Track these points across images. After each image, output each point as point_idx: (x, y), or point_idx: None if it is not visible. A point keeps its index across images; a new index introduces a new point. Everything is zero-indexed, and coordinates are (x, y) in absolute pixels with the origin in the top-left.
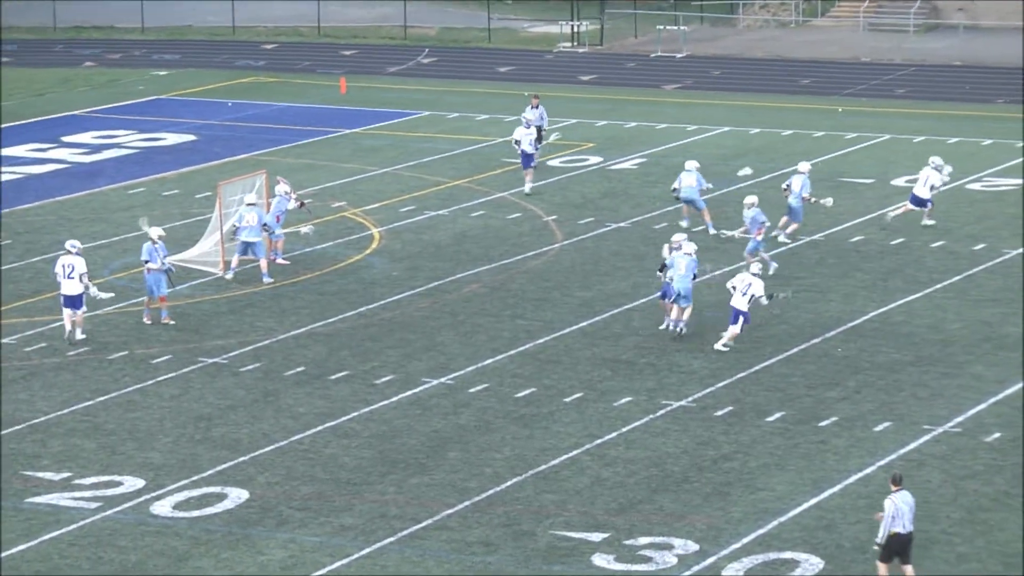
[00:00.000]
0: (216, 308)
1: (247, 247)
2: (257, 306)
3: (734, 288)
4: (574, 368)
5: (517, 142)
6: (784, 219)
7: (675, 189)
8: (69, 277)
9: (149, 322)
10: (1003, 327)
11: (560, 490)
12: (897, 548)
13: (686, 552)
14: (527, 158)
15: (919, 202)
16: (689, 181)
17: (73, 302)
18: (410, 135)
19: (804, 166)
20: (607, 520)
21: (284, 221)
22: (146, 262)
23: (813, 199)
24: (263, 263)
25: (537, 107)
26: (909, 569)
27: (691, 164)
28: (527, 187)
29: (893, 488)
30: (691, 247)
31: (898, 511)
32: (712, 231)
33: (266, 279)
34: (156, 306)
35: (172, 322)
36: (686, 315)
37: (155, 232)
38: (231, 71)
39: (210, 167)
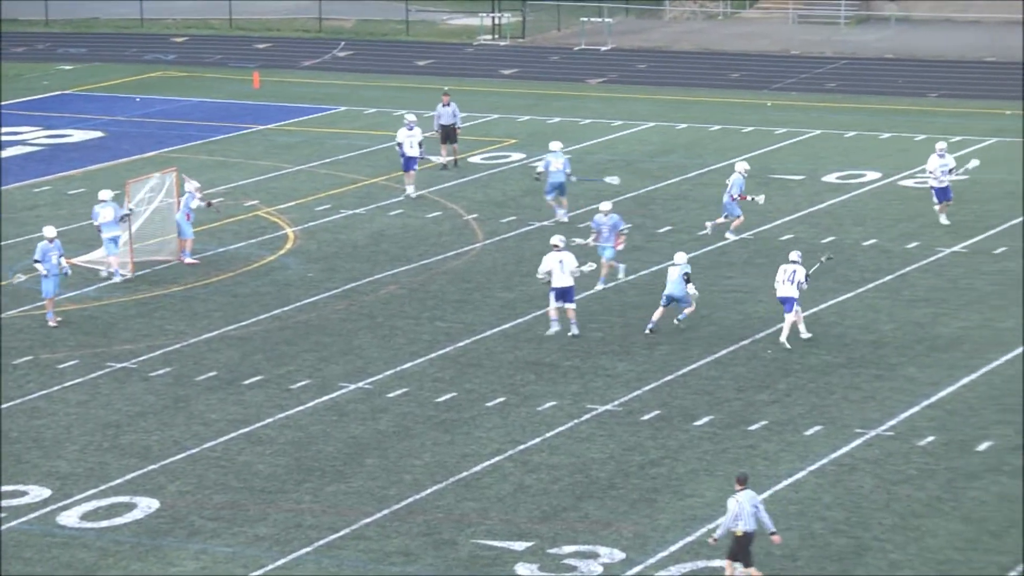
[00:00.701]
0: (124, 311)
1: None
2: (167, 308)
3: (779, 283)
4: (496, 372)
5: (399, 144)
6: (736, 220)
7: (539, 173)
8: None
9: (54, 325)
10: (936, 328)
11: (482, 497)
12: (736, 548)
13: (612, 561)
14: (409, 161)
15: (943, 194)
16: (557, 164)
17: None
18: (326, 131)
19: (741, 166)
20: (531, 528)
21: (194, 220)
22: (37, 261)
23: (748, 197)
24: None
25: (448, 104)
26: (754, 571)
27: (555, 145)
28: (410, 190)
29: (737, 487)
30: (682, 257)
31: (741, 511)
32: (564, 219)
33: (117, 277)
34: (46, 308)
35: (56, 324)
36: (687, 312)
37: (49, 231)
38: (140, 65)
39: (118, 165)
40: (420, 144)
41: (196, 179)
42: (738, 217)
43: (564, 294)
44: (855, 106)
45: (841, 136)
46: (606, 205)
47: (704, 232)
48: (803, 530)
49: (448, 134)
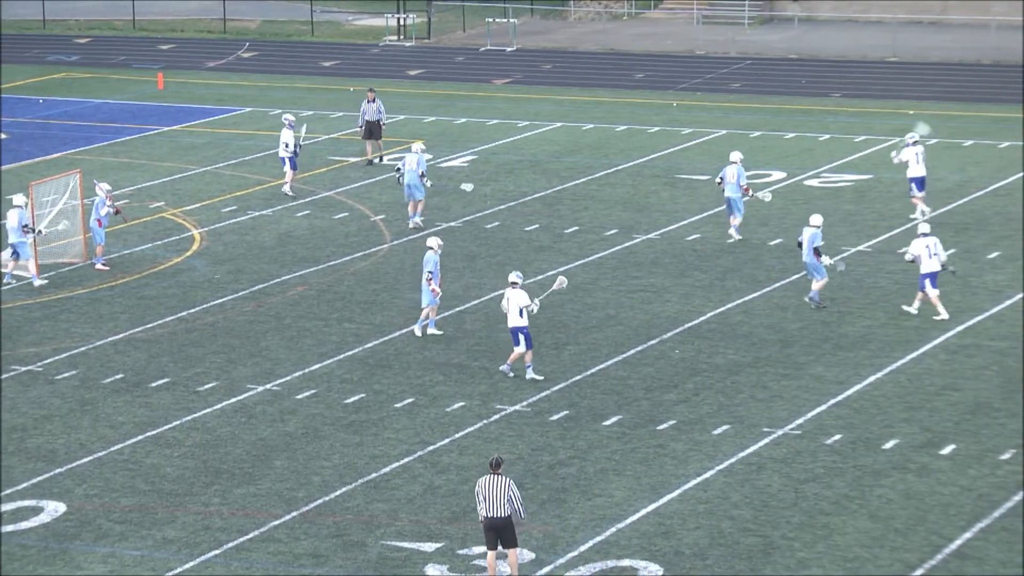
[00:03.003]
0: (28, 313)
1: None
2: (72, 311)
3: (917, 256)
4: (405, 373)
5: (287, 144)
6: (734, 218)
7: (398, 170)
8: None
9: None
10: (842, 327)
11: (391, 499)
12: (490, 531)
13: (522, 561)
14: (292, 160)
15: (921, 183)
16: (411, 164)
17: None
18: (231, 132)
19: (735, 155)
20: (440, 529)
21: (106, 225)
22: None
23: (751, 192)
24: (17, 264)
25: (374, 101)
26: (512, 554)
27: (417, 146)
28: (287, 188)
29: (490, 471)
30: (818, 219)
31: (482, 493)
32: (417, 221)
33: (8, 279)
34: None
35: None
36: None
37: None
38: (42, 66)
39: (21, 167)
40: (299, 144)
41: (102, 181)
42: (739, 215)
43: (515, 335)
44: (760, 106)
45: (746, 136)
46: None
47: (731, 240)
48: (712, 529)
49: (372, 130)
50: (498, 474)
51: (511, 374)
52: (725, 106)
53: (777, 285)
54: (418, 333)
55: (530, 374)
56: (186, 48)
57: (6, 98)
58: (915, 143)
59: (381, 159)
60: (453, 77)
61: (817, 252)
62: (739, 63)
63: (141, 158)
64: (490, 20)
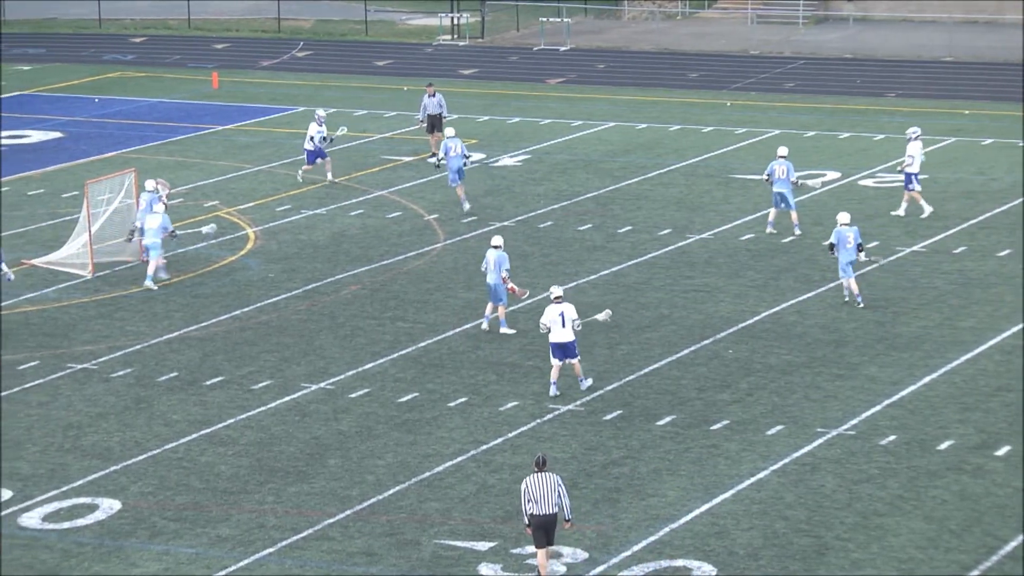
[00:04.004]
0: (84, 312)
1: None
2: (127, 309)
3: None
4: (458, 372)
5: (311, 138)
6: (773, 211)
7: (441, 159)
8: None
9: None
10: (896, 327)
11: (445, 498)
12: (539, 530)
13: (575, 560)
14: (312, 153)
15: (915, 178)
16: (456, 149)
17: None
18: (285, 131)
19: (783, 150)
20: (493, 528)
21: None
22: None
23: (800, 182)
24: (152, 264)
25: (434, 95)
26: (541, 554)
27: (450, 131)
28: (300, 177)
29: (535, 470)
30: (846, 217)
31: (529, 492)
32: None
33: (148, 282)
34: None
35: None
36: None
37: None
38: (98, 65)
39: (77, 165)
40: (325, 138)
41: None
42: (794, 210)
43: (566, 349)
44: (814, 106)
45: (800, 136)
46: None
47: (794, 236)
48: (765, 529)
49: (434, 124)
50: (544, 472)
51: (555, 392)
52: (779, 106)
53: (831, 285)
54: (485, 327)
55: (584, 384)
56: (240, 47)
57: (62, 97)
58: (918, 137)
59: (437, 163)
60: (507, 76)
61: (859, 247)
62: (793, 63)
63: (195, 157)
64: (544, 19)
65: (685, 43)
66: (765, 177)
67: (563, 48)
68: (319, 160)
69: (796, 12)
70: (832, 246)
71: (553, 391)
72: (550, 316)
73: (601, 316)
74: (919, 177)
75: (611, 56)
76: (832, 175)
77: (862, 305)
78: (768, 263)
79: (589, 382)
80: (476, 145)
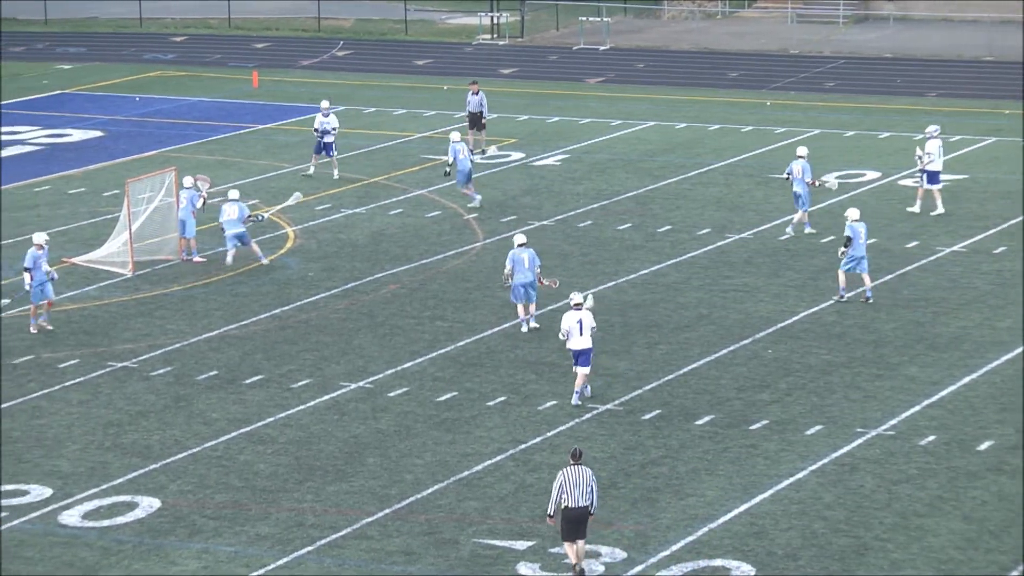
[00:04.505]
0: (124, 310)
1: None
2: (167, 308)
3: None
4: (496, 371)
5: (316, 130)
6: (799, 214)
7: (450, 165)
8: None
9: (35, 331)
10: (937, 327)
11: (483, 497)
12: (571, 522)
13: (614, 560)
14: (324, 146)
15: (936, 177)
16: (465, 152)
17: None
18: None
19: (802, 150)
20: (532, 527)
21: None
22: (27, 269)
23: (817, 183)
24: (254, 247)
25: (477, 93)
26: (580, 543)
27: (456, 135)
28: (311, 170)
29: (571, 462)
30: (856, 213)
31: (566, 484)
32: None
33: (263, 260)
34: (43, 311)
35: (51, 328)
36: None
37: (40, 238)
38: (139, 65)
39: (117, 164)
40: (333, 130)
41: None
42: (805, 210)
43: (579, 356)
44: (854, 105)
45: (840, 135)
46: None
47: (785, 237)
48: (804, 529)
49: (474, 121)
50: (579, 465)
51: (580, 401)
52: (819, 105)
53: (871, 285)
54: (526, 329)
55: (587, 392)
56: (281, 47)
57: (102, 96)
58: (938, 135)
59: (483, 152)
60: (546, 76)
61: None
62: (833, 62)
63: (235, 156)
64: (583, 19)
65: (725, 42)
66: (785, 176)
67: (603, 47)
68: (322, 153)
69: (836, 11)
70: (848, 240)
71: (575, 400)
72: (569, 323)
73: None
74: (940, 175)
75: (651, 55)
76: (872, 175)
77: (871, 300)
78: (807, 263)
79: (578, 401)
80: (515, 144)
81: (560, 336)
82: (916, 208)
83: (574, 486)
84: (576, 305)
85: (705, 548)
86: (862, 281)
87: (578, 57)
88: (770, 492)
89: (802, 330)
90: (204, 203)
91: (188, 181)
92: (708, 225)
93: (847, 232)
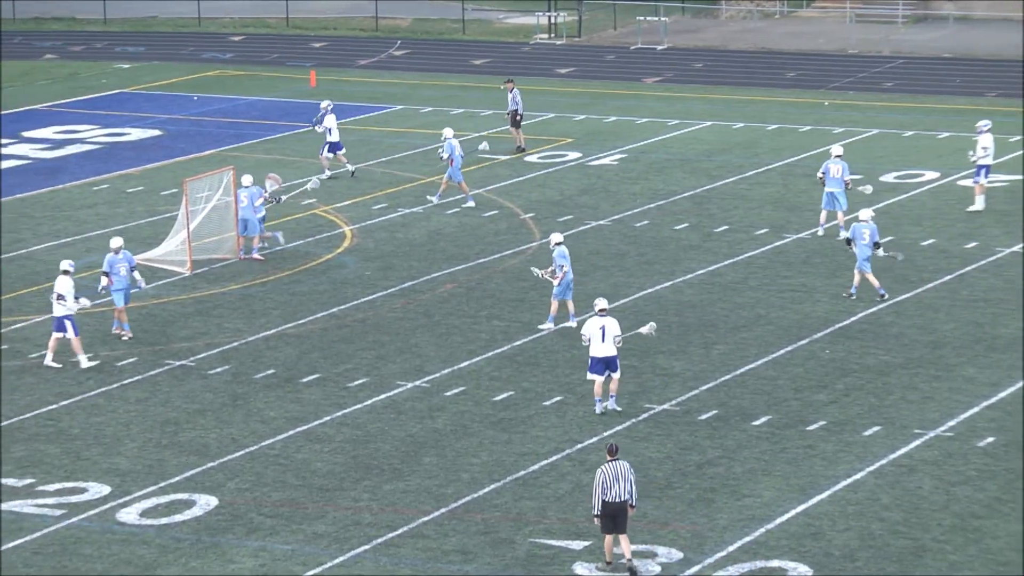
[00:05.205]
0: (182, 309)
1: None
2: (225, 307)
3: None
4: (553, 371)
5: (329, 130)
6: (824, 213)
7: (445, 160)
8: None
9: (127, 338)
10: (995, 328)
11: (540, 496)
12: (610, 518)
13: (670, 560)
14: (334, 145)
15: (988, 170)
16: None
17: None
18: (382, 130)
19: (838, 149)
20: (588, 527)
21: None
22: (106, 273)
23: (851, 185)
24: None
25: (512, 91)
26: (624, 539)
27: (448, 131)
28: (349, 167)
29: (608, 458)
30: (868, 214)
31: (607, 480)
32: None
33: (255, 254)
34: (116, 316)
35: (129, 337)
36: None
37: (115, 242)
38: (197, 64)
39: (176, 163)
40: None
41: (252, 177)
42: (844, 210)
43: (606, 363)
44: (912, 105)
45: (899, 135)
46: (557, 236)
47: (820, 235)
48: (862, 530)
49: (512, 119)
50: (616, 460)
51: (601, 409)
52: (877, 105)
53: (929, 286)
54: (574, 324)
55: (612, 404)
56: (338, 46)
57: (161, 95)
58: (989, 130)
59: (521, 149)
60: (603, 75)
61: (876, 245)
62: (892, 62)
63: (293, 155)
64: (641, 18)
65: (783, 42)
66: (819, 176)
67: (660, 47)
68: (334, 153)
69: (895, 11)
70: (849, 241)
71: (599, 408)
72: (591, 329)
73: (644, 329)
74: (989, 170)
75: (708, 55)
76: (930, 175)
77: (884, 296)
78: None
79: (618, 407)
80: (572, 144)
81: (583, 342)
82: (979, 206)
83: (614, 481)
84: (601, 311)
85: (762, 549)
86: (869, 281)
87: (636, 57)
88: (827, 493)
89: (860, 331)
90: (265, 202)
91: (247, 180)
92: (765, 225)
93: (848, 232)
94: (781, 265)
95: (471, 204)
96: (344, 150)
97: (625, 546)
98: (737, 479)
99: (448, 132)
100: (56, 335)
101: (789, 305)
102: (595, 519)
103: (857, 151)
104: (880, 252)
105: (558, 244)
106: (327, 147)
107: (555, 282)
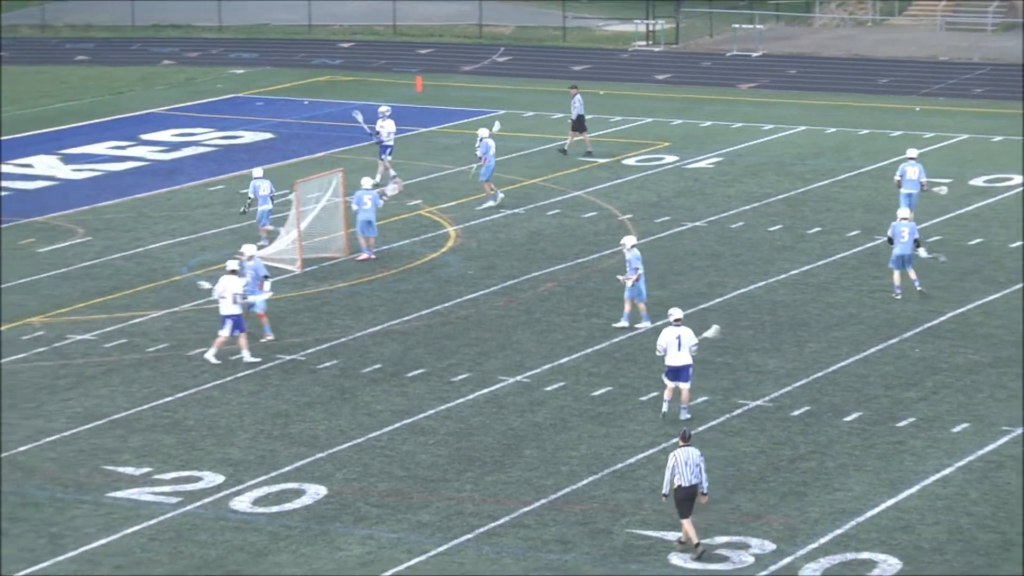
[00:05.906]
0: (292, 305)
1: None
2: (333, 304)
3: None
4: (649, 367)
5: (377, 132)
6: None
7: (480, 159)
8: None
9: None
10: None
11: (636, 488)
12: (685, 501)
13: (763, 552)
14: (385, 148)
15: None
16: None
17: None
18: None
19: (913, 152)
20: None
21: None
22: (266, 277)
23: (926, 186)
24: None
25: (575, 96)
26: (687, 523)
27: (484, 132)
28: (379, 177)
29: (680, 443)
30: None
31: (677, 465)
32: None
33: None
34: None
35: (271, 338)
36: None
37: (249, 249)
38: (307, 69)
39: (287, 165)
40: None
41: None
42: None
43: (679, 373)
44: (1002, 111)
45: (988, 140)
46: (629, 239)
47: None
48: (951, 525)
49: (578, 123)
50: (688, 446)
51: (667, 409)
52: (967, 111)
53: (1017, 287)
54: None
55: (684, 414)
56: (443, 52)
57: (273, 99)
58: None
59: (564, 151)
60: (699, 81)
61: (917, 243)
62: (982, 68)
63: (399, 158)
64: (736, 26)
65: (875, 49)
66: (896, 179)
67: (755, 54)
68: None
69: (985, 19)
70: (890, 240)
71: (665, 408)
72: (667, 339)
73: (710, 333)
74: None
75: (802, 62)
76: (1018, 179)
77: (920, 288)
78: (954, 265)
79: (688, 415)
80: (669, 148)
81: (657, 352)
82: None
83: (684, 465)
84: (676, 321)
85: (852, 541)
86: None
87: (731, 63)
88: (917, 488)
89: (948, 330)
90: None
91: (367, 182)
92: (857, 227)
93: (889, 232)
94: (872, 266)
95: (491, 204)
96: (389, 156)
97: (688, 529)
98: (829, 473)
99: (484, 132)
100: (222, 333)
101: (879, 305)
102: (663, 498)
103: (947, 155)
104: (922, 252)
105: (633, 247)
106: (388, 151)
107: (629, 283)
